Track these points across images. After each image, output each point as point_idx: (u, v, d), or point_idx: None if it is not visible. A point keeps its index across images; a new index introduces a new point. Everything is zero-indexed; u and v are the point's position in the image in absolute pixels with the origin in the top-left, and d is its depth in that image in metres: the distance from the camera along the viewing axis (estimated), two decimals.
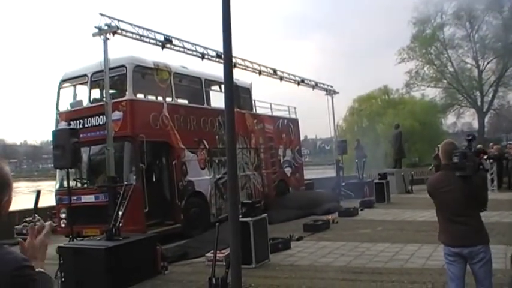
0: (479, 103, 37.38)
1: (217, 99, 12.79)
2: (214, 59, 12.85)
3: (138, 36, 10.78)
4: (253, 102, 15.28)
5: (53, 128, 10.97)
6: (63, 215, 10.89)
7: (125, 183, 9.27)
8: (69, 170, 9.64)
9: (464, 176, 3.98)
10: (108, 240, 7.44)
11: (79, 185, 11.09)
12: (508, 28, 34.48)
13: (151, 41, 11.14)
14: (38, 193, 13.45)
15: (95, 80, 11.17)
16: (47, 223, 1.95)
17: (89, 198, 10.42)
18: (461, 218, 4.10)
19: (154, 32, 11.25)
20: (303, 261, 8.06)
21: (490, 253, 4.09)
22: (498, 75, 36.52)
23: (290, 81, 17.16)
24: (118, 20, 10.21)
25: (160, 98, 12.05)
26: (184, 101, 13.09)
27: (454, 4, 36.30)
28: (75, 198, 10.14)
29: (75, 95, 12.08)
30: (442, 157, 4.29)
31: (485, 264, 4.02)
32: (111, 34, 9.95)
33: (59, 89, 11.86)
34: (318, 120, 59.44)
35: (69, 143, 8.93)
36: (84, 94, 11.63)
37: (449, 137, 27.99)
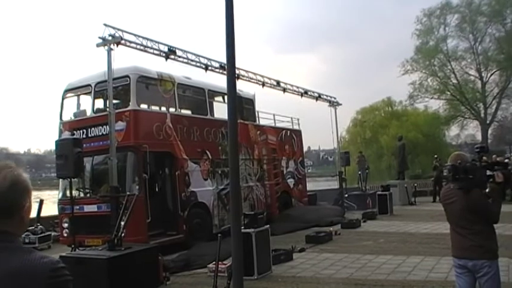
0: (482, 115, 37.29)
1: (220, 110, 12.81)
2: (217, 70, 12.89)
3: (142, 47, 10.83)
4: (256, 113, 15.29)
5: (57, 138, 11.02)
6: (65, 225, 10.91)
7: (128, 193, 9.26)
8: (72, 179, 9.67)
9: (461, 188, 3.92)
10: (110, 250, 7.41)
11: (82, 194, 11.10)
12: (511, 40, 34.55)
13: (155, 51, 11.19)
14: (41, 202, 13.47)
15: (98, 90, 11.22)
16: None
17: (92, 208, 10.42)
18: (463, 231, 4.04)
19: (158, 42, 11.31)
20: (305, 272, 8.02)
21: (497, 268, 3.96)
22: (501, 87, 36.49)
23: (293, 93, 17.17)
24: (122, 31, 10.28)
25: (163, 109, 12.08)
26: (188, 112, 13.07)
27: (457, 17, 36.50)
28: (77, 207, 10.15)
29: (78, 105, 12.12)
30: None
31: (490, 279, 3.90)
32: (115, 45, 10.00)
33: (63, 98, 11.91)
34: (321, 132, 59.41)
35: (72, 153, 8.97)
36: (88, 104, 11.70)
37: (453, 149, 28.06)
